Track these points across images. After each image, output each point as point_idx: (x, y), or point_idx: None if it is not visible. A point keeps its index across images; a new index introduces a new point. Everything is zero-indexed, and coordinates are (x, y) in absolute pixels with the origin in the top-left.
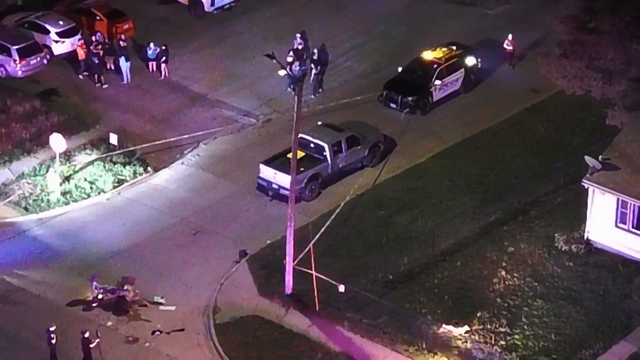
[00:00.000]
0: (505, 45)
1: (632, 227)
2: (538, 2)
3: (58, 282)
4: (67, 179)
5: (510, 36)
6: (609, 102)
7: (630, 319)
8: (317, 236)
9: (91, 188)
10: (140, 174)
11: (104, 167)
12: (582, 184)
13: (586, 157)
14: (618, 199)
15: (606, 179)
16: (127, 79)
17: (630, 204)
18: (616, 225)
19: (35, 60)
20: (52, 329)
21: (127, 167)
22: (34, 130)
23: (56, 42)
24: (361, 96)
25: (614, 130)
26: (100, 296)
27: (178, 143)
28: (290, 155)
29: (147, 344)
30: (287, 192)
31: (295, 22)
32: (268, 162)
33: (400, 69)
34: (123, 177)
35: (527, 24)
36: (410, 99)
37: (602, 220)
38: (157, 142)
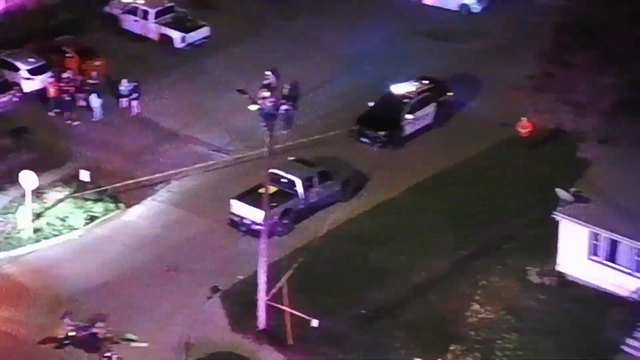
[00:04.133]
0: (519, 128)
1: (605, 259)
2: (511, 37)
3: (30, 320)
4: (38, 216)
5: (524, 119)
6: (580, 135)
7: (605, 351)
8: (290, 271)
9: (62, 225)
10: (112, 211)
11: (75, 204)
12: (554, 216)
13: (557, 190)
14: (590, 231)
15: (578, 212)
16: (99, 115)
17: (602, 236)
18: (588, 258)
19: (5, 98)
20: None
21: (99, 203)
22: (4, 168)
23: (27, 79)
24: (334, 131)
25: (586, 163)
26: (72, 333)
27: (149, 179)
28: (262, 191)
29: None
30: (259, 227)
31: (267, 59)
32: (240, 198)
33: (371, 104)
34: (94, 214)
35: (500, 59)
36: (381, 133)
37: (574, 252)
38: (130, 182)
